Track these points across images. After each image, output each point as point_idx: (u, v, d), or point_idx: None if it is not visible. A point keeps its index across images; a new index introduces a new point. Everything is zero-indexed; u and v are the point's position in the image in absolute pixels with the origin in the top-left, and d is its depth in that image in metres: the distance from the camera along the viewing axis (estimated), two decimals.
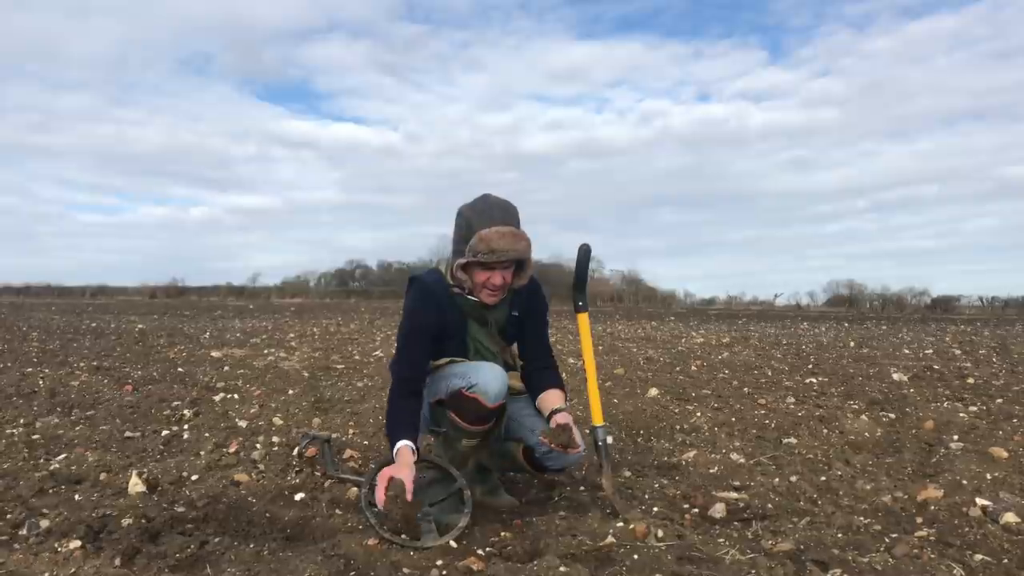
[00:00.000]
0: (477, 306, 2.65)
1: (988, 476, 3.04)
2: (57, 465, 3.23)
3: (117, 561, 2.12)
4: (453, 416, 2.59)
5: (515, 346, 2.89)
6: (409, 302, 2.67)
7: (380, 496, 2.30)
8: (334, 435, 3.86)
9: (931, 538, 2.40)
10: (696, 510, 2.77)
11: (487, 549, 2.31)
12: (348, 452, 3.56)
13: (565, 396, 2.81)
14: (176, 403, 4.93)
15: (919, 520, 2.61)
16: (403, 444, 2.44)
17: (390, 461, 2.75)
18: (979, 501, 2.68)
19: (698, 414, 4.64)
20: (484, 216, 2.50)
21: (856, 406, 4.99)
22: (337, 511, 2.71)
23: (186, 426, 4.17)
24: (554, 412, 2.64)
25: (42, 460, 3.35)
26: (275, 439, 3.77)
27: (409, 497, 2.27)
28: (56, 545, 2.22)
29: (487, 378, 2.50)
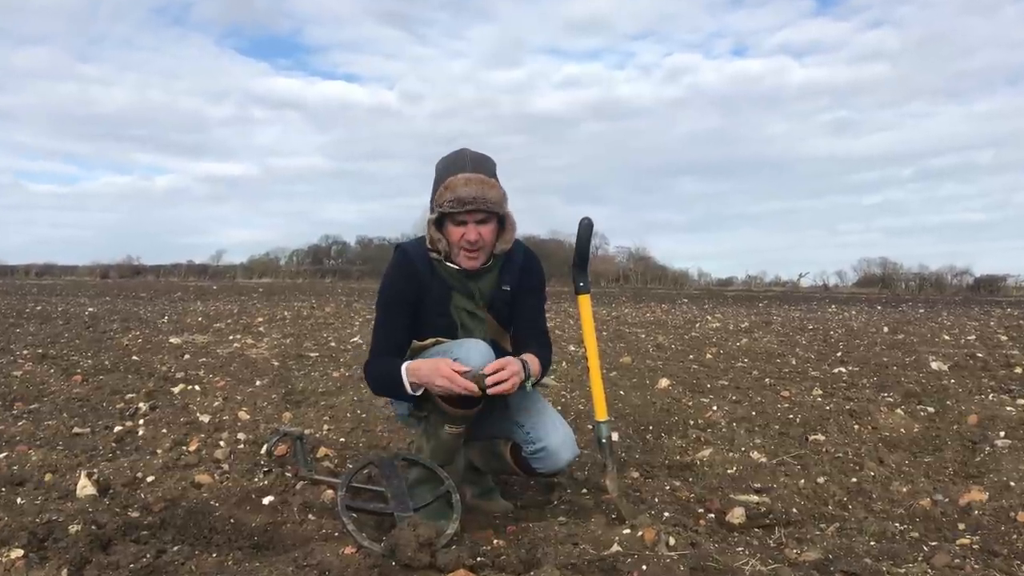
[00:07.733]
0: (459, 275, 2.67)
1: None
2: None
3: (64, 572, 2.11)
4: (437, 398, 2.56)
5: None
6: (386, 271, 2.75)
7: (462, 383, 2.38)
8: (307, 431, 3.86)
9: (975, 546, 2.41)
10: (712, 515, 2.78)
11: (478, 559, 2.31)
12: (322, 450, 3.55)
13: (541, 369, 2.69)
14: (130, 396, 4.91)
15: (961, 526, 2.62)
16: (408, 363, 2.54)
17: (370, 462, 2.77)
18: None
19: (714, 408, 4.65)
20: (454, 166, 2.59)
21: (891, 399, 5.00)
22: (310, 516, 2.70)
23: (141, 421, 4.16)
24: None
25: None
26: (241, 436, 3.76)
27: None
28: None
29: (468, 350, 2.52)
